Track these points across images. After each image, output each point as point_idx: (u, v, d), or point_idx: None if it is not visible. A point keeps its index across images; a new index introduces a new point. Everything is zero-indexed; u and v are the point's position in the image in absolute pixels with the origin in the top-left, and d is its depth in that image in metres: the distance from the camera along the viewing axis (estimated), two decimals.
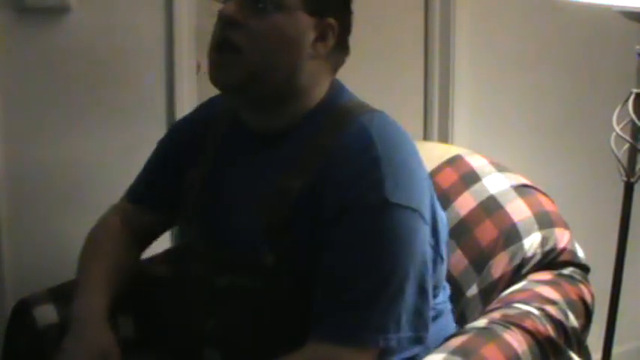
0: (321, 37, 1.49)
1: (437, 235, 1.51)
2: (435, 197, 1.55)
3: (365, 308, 1.39)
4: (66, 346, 1.53)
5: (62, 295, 1.69)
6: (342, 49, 1.54)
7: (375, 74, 2.34)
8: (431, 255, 1.47)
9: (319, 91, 1.53)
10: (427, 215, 1.46)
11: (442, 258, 1.55)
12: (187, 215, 1.62)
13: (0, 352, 1.75)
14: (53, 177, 2.00)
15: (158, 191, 1.70)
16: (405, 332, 1.41)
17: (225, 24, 1.47)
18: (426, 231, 1.45)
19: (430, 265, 1.46)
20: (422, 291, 1.43)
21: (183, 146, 1.66)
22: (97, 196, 2.02)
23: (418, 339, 1.44)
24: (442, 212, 1.61)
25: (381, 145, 1.45)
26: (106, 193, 1.89)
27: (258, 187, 1.52)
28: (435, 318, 1.57)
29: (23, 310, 1.70)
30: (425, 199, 1.47)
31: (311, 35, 1.48)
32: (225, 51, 1.47)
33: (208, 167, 1.59)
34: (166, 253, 1.85)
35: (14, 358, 1.70)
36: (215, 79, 1.50)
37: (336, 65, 1.55)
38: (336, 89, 1.55)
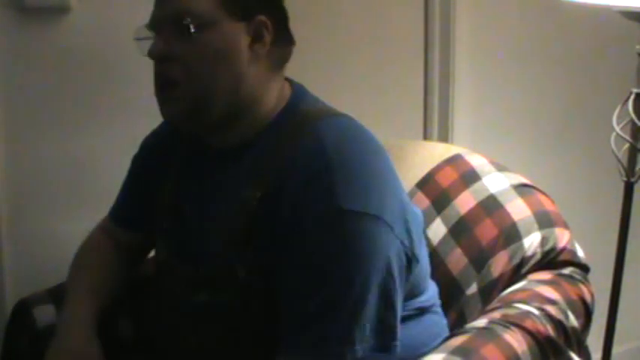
0: (256, 38, 1.46)
1: (410, 237, 1.44)
2: (407, 198, 1.50)
3: (329, 320, 1.35)
4: (47, 354, 1.54)
5: (62, 295, 1.69)
6: (283, 41, 1.50)
7: (374, 74, 2.33)
8: (402, 259, 1.41)
9: (272, 95, 1.49)
10: (392, 219, 1.39)
11: (417, 260, 1.49)
12: (160, 229, 1.61)
13: (0, 352, 1.75)
14: (53, 177, 2.00)
15: (135, 212, 1.70)
16: (371, 342, 1.36)
17: (158, 62, 1.45)
18: (389, 236, 1.38)
19: (397, 271, 1.40)
20: (386, 299, 1.38)
21: (155, 161, 1.65)
22: (97, 195, 2.02)
23: (385, 348, 1.39)
24: (417, 210, 1.58)
25: (335, 150, 1.40)
26: (105, 193, 1.89)
27: (222, 200, 1.50)
28: (421, 315, 1.57)
29: (23, 310, 1.71)
30: (389, 203, 1.40)
31: (245, 40, 1.45)
32: (165, 88, 1.46)
33: (173, 182, 1.59)
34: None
35: (14, 358, 1.70)
36: (165, 116, 1.49)
37: (281, 60, 1.50)
38: (298, 95, 1.52)
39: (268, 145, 1.47)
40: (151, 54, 1.45)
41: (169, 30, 1.44)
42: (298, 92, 1.53)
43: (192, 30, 1.42)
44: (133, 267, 1.74)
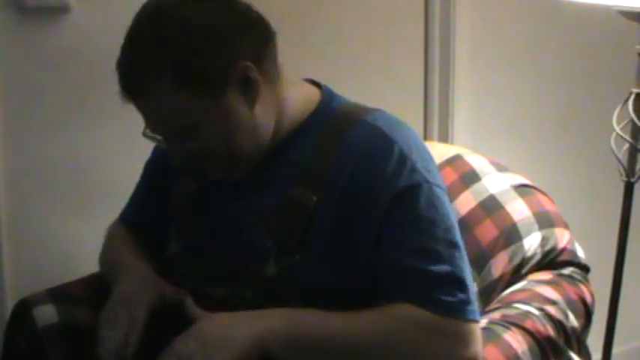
0: (245, 85, 1.42)
1: None
2: None
3: (447, 283, 1.39)
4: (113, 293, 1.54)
5: (62, 295, 1.69)
6: (270, 61, 1.47)
7: (375, 74, 2.34)
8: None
9: (292, 103, 1.50)
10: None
11: None
12: (177, 228, 1.60)
13: (0, 352, 1.75)
14: (53, 177, 2.00)
15: (146, 216, 1.70)
16: (476, 304, 1.42)
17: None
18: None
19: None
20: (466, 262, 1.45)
21: (168, 164, 1.63)
22: (96, 195, 2.03)
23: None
24: None
25: (399, 138, 1.46)
26: (105, 193, 1.90)
27: (260, 198, 1.50)
28: None
29: (23, 310, 1.70)
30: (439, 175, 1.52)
31: (237, 97, 1.42)
32: (197, 162, 1.48)
33: (198, 179, 1.58)
34: None
35: (14, 358, 1.70)
36: (203, 180, 1.54)
37: (277, 75, 1.48)
38: (327, 97, 1.54)
39: (309, 143, 1.48)
40: (178, 166, 1.51)
41: (175, 138, 1.46)
42: (328, 93, 1.55)
43: (195, 130, 1.43)
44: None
